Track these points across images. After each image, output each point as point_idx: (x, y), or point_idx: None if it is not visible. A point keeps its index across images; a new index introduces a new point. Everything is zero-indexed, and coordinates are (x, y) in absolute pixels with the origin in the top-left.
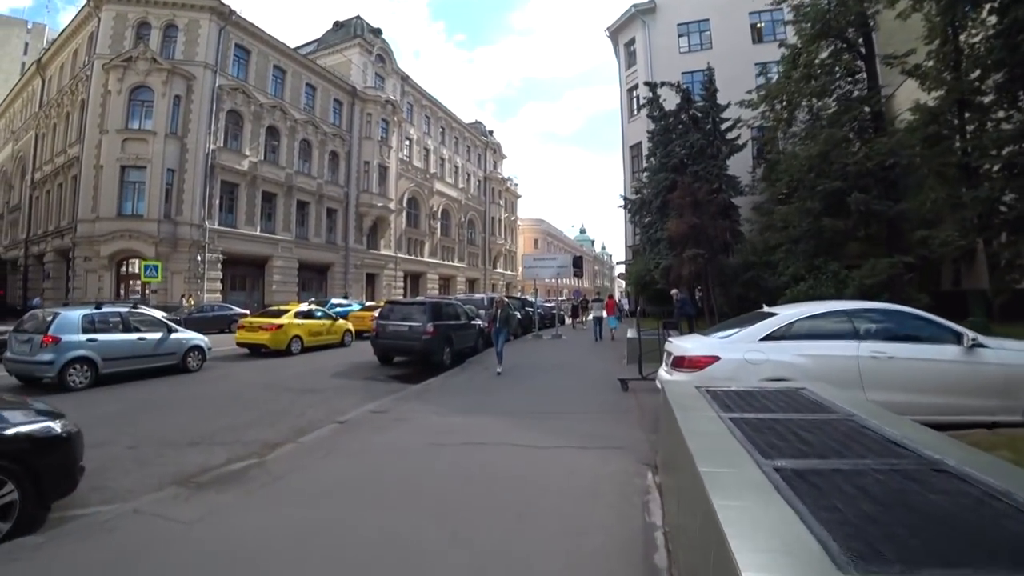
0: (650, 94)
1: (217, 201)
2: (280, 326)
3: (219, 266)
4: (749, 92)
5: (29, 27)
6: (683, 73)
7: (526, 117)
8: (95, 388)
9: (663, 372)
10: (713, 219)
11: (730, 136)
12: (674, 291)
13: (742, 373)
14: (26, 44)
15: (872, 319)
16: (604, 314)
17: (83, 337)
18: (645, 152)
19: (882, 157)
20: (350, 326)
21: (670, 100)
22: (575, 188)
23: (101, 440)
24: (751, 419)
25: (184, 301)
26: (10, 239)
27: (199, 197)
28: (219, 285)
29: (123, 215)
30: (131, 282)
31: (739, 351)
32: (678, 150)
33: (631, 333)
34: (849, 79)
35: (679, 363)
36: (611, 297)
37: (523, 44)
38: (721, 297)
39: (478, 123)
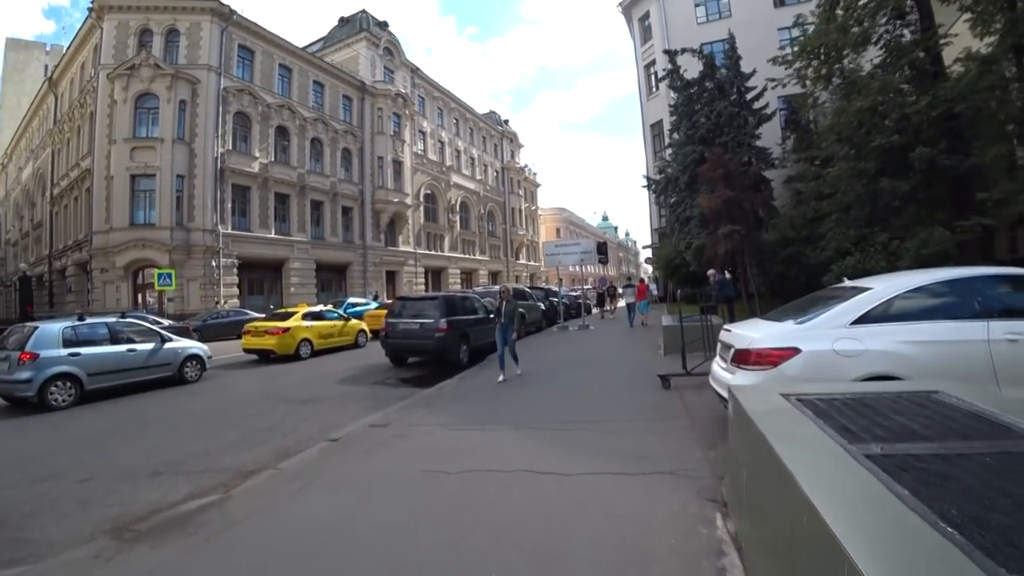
0: (670, 65)
1: (229, 205)
2: (286, 330)
3: (235, 271)
4: (781, 49)
5: (48, 49)
6: (702, 44)
7: (542, 107)
8: (81, 406)
9: (718, 368)
10: (747, 192)
11: (757, 106)
12: (711, 272)
13: (831, 369)
14: (46, 66)
15: (1003, 290)
16: (635, 299)
17: (64, 352)
18: (667, 128)
19: (949, 104)
20: (364, 326)
21: (691, 70)
22: (595, 176)
23: (55, 471)
24: (901, 456)
25: (218, 306)
26: (35, 255)
27: (210, 202)
28: (236, 290)
29: (135, 224)
30: (147, 291)
31: (825, 340)
32: (704, 120)
33: (667, 319)
34: (899, 21)
35: (743, 358)
36: (642, 282)
37: (535, 33)
38: (759, 277)
39: (492, 113)
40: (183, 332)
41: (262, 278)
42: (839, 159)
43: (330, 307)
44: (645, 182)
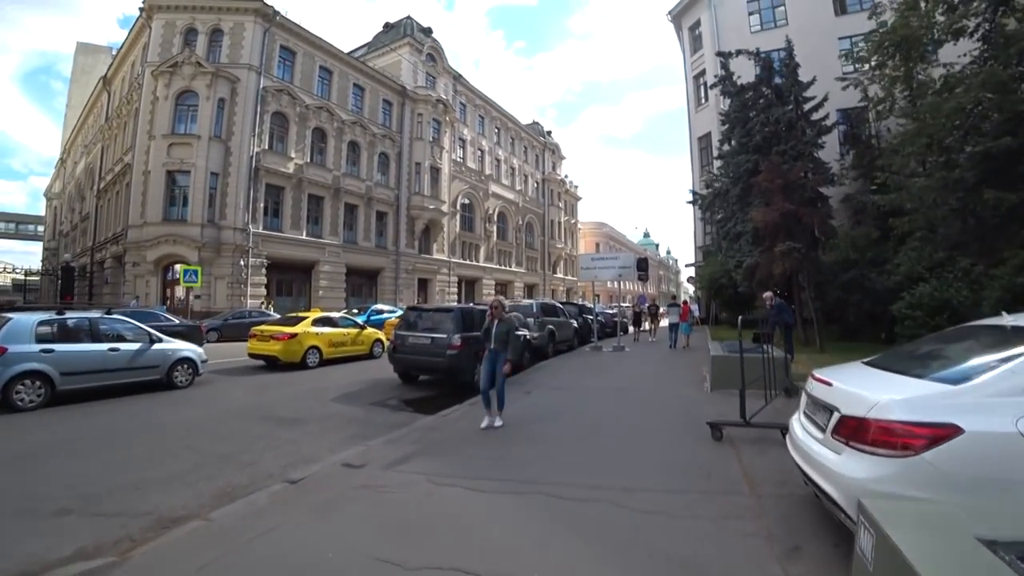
0: (722, 71)
1: (262, 205)
2: (293, 335)
3: (263, 271)
4: (855, 43)
5: (113, 53)
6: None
7: (586, 121)
8: (51, 408)
9: (803, 432)
10: (806, 206)
11: (815, 117)
12: (767, 294)
13: (1018, 466)
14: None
15: None
16: (679, 320)
17: (35, 348)
18: (716, 140)
19: None
20: (381, 336)
21: (745, 76)
22: (637, 192)
23: None
24: None
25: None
26: (80, 247)
27: (243, 201)
28: (263, 290)
29: (169, 220)
30: (176, 287)
31: (1004, 415)
32: (759, 128)
33: (715, 348)
34: (1003, 8)
35: (858, 430)
36: (685, 303)
37: (583, 48)
38: (816, 301)
39: (535, 124)
40: (194, 332)
41: (291, 280)
42: (927, 169)
43: (343, 314)
44: (691, 197)
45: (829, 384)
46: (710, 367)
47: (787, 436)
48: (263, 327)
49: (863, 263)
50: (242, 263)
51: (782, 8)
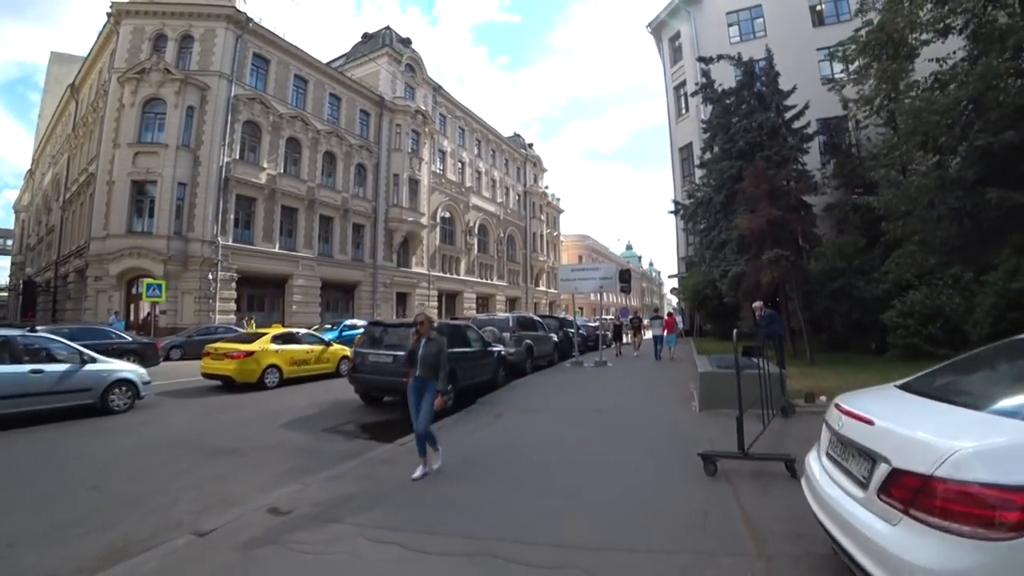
0: (703, 79)
1: (232, 216)
2: (249, 353)
3: (233, 285)
4: (838, 46)
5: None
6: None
7: (570, 136)
8: None
9: (827, 483)
10: (793, 213)
11: (796, 125)
12: (757, 304)
13: None
14: None
15: None
16: (664, 332)
17: None
18: (698, 150)
19: None
20: (349, 352)
21: (726, 82)
22: (620, 206)
23: None
24: None
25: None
26: (45, 261)
27: (212, 212)
28: (233, 305)
29: (133, 232)
30: (141, 302)
31: None
32: (742, 133)
33: (703, 364)
34: (991, 5)
35: (920, 496)
36: (671, 315)
37: (566, 63)
38: (804, 311)
39: (517, 136)
40: (148, 349)
41: (263, 294)
42: (907, 176)
43: (309, 330)
44: (673, 207)
45: (869, 422)
46: (698, 384)
47: (803, 479)
48: (217, 344)
49: (850, 271)
50: (210, 277)
51: (761, 20)
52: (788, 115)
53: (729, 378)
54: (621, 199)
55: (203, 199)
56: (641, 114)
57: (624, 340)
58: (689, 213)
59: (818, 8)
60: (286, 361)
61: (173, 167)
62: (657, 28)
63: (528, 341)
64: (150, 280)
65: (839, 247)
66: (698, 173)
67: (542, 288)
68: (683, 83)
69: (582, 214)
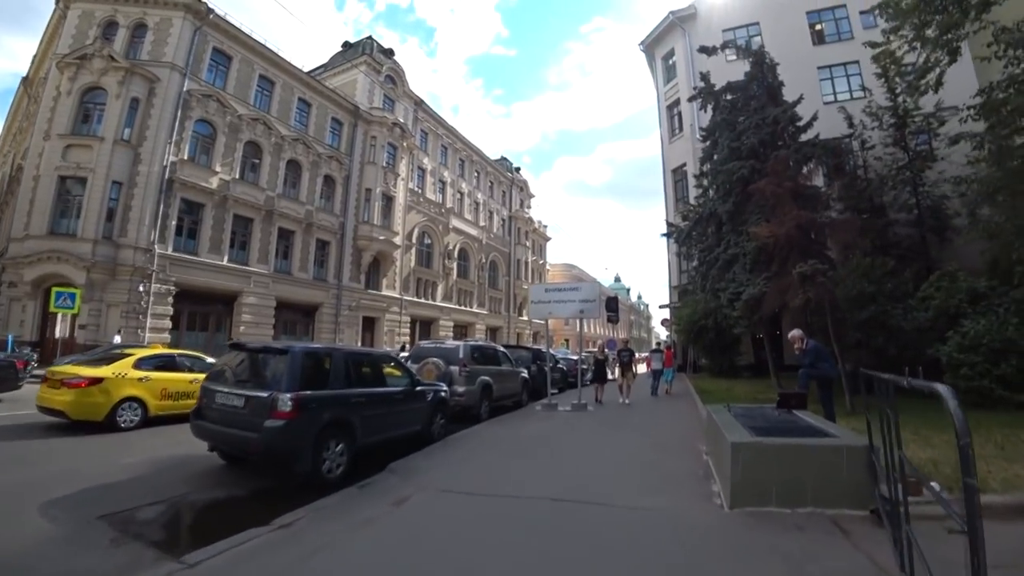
0: (702, 83)
1: (174, 222)
2: (94, 381)
3: (170, 300)
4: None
5: None
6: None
7: (560, 169)
8: None
9: None
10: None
11: (804, 138)
12: (796, 333)
13: None
14: None
15: None
16: (663, 366)
17: None
18: (693, 170)
19: None
20: None
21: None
22: (608, 241)
23: None
24: None
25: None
26: None
27: (150, 216)
28: (168, 323)
29: (55, 233)
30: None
31: None
32: (754, 129)
33: (734, 428)
34: None
35: None
36: (670, 348)
37: (558, 99)
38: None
39: (504, 159)
40: (7, 369)
41: (208, 312)
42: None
43: (198, 353)
44: (666, 230)
45: None
46: (728, 460)
47: None
48: (56, 368)
49: (882, 298)
50: (140, 289)
51: (758, 38)
52: (794, 126)
53: (784, 454)
54: (610, 234)
55: (140, 201)
56: (631, 151)
57: (611, 376)
58: (684, 235)
59: (818, 27)
60: (155, 394)
61: (108, 163)
62: (650, 47)
63: (485, 378)
64: (60, 288)
65: (865, 268)
66: (693, 194)
67: (526, 318)
68: (676, 101)
69: (570, 246)
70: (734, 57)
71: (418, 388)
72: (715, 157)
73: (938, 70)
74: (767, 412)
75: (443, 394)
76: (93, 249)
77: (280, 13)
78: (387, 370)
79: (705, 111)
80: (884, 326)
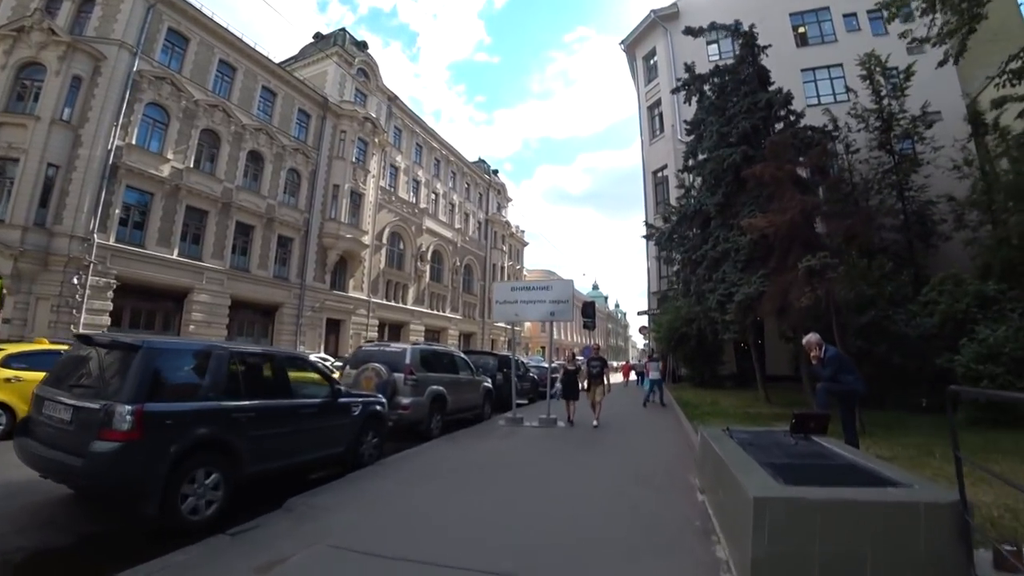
0: (686, 74)
1: (117, 211)
2: None
3: (109, 294)
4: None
5: None
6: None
7: (542, 177)
8: None
9: None
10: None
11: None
12: (812, 338)
13: None
14: None
15: None
16: (656, 375)
17: None
18: (674, 170)
19: None
20: None
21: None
22: (588, 250)
23: None
24: None
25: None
26: None
27: (89, 203)
28: (107, 319)
29: None
30: None
31: None
32: (746, 112)
33: (752, 477)
34: None
35: None
36: (664, 359)
37: (541, 107)
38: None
39: (481, 161)
40: None
41: (154, 309)
42: None
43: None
44: (645, 231)
45: None
46: (748, 522)
47: None
48: None
49: (882, 301)
50: (75, 281)
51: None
52: (789, 109)
53: (830, 514)
54: (589, 242)
55: (79, 187)
56: (611, 160)
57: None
58: (666, 236)
59: (801, 30)
60: (26, 398)
61: (43, 145)
62: (631, 46)
63: (437, 387)
64: None
65: (862, 271)
66: (674, 195)
67: (501, 324)
68: (658, 102)
69: (549, 253)
70: (716, 57)
71: (341, 400)
72: (700, 151)
73: (952, 46)
74: (780, 439)
75: (378, 408)
76: (22, 236)
77: (258, 10)
78: (298, 376)
79: (689, 103)
80: (886, 332)
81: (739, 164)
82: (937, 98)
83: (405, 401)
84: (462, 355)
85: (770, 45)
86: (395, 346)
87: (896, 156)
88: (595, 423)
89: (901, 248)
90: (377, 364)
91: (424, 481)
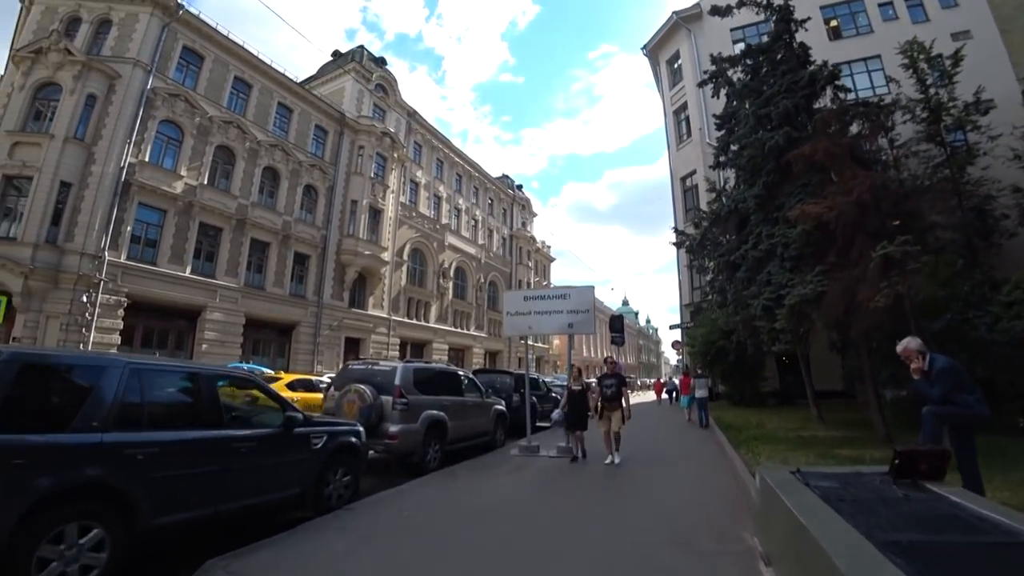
0: (713, 66)
1: (129, 228)
2: None
3: (120, 312)
4: None
5: None
6: (751, 46)
7: (568, 195)
8: None
9: None
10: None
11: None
12: (911, 344)
13: None
14: None
15: None
16: (704, 393)
17: None
18: (703, 174)
19: None
20: None
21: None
22: (617, 268)
23: None
24: None
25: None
26: None
27: (101, 220)
28: (116, 337)
29: None
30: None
31: None
32: (786, 91)
33: (837, 542)
34: None
35: None
36: (686, 374)
37: (566, 125)
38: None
39: (505, 177)
40: None
41: (166, 328)
42: None
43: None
44: (675, 239)
45: None
46: None
47: None
48: None
49: (957, 304)
50: (84, 299)
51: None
52: (836, 85)
53: None
54: (617, 259)
55: (91, 204)
56: (636, 175)
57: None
58: (697, 242)
59: (833, 23)
60: None
61: (57, 162)
62: (653, 50)
63: (434, 412)
64: None
65: (930, 267)
66: (704, 199)
67: (529, 341)
68: (684, 105)
69: (577, 270)
70: (742, 46)
71: (297, 430)
72: (732, 143)
73: None
74: (880, 488)
75: (352, 439)
76: (33, 254)
77: (287, 39)
78: (236, 400)
79: (717, 96)
80: (966, 339)
81: (782, 147)
82: (989, 85)
83: (393, 429)
84: (468, 375)
85: (809, 18)
86: (384, 364)
87: (948, 148)
88: (615, 460)
89: (959, 248)
90: (361, 386)
91: (391, 540)
